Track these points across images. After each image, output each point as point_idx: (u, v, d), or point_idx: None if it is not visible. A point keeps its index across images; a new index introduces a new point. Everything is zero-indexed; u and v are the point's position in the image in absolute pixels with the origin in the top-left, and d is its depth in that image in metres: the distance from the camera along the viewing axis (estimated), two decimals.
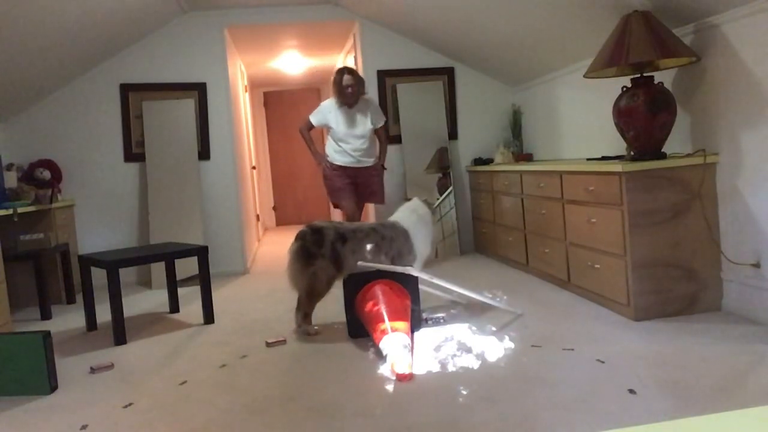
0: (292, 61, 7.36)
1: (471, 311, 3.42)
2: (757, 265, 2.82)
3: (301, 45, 6.53)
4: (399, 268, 3.09)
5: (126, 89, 5.18)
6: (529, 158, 5.28)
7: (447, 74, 5.59)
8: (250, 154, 7.42)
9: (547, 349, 2.69)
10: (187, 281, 4.85)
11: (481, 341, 2.87)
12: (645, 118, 3.00)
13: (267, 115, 9.28)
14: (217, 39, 5.27)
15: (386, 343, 2.63)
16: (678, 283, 3.02)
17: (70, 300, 4.51)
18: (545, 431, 1.91)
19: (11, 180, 4.49)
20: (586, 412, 2.02)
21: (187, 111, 5.22)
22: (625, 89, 3.14)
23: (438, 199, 5.37)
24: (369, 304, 2.90)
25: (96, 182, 5.19)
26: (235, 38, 5.82)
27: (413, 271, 3.12)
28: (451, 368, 2.53)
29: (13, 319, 3.89)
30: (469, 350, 2.75)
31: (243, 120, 6.55)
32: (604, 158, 3.60)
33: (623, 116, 3.11)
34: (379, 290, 2.96)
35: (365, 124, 4.44)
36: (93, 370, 2.85)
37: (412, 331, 2.96)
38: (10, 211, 4.01)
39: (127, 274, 5.12)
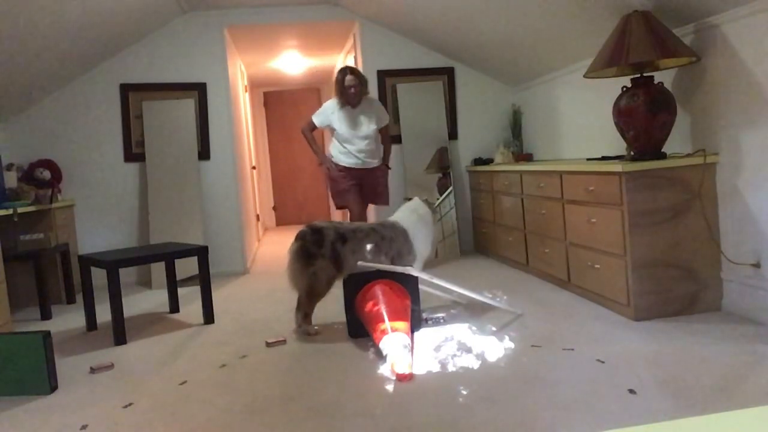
0: (292, 61, 7.36)
1: (471, 311, 3.42)
2: (757, 265, 2.82)
3: (301, 45, 6.53)
4: (399, 268, 3.09)
5: (126, 89, 5.18)
6: (529, 158, 5.28)
7: (447, 74, 5.59)
8: (250, 154, 7.42)
9: (547, 349, 2.69)
10: (187, 281, 4.85)
11: (481, 341, 2.87)
12: (645, 118, 3.00)
13: (267, 115, 9.28)
14: (217, 39, 5.27)
15: (386, 343, 2.63)
16: (678, 283, 3.02)
17: (70, 300, 4.51)
18: (545, 431, 1.91)
19: (11, 180, 4.49)
20: (586, 412, 2.02)
21: (187, 111, 5.22)
22: (625, 89, 3.14)
23: (438, 199, 5.37)
24: (369, 304, 2.90)
25: (96, 182, 5.19)
26: (235, 38, 5.82)
27: (413, 271, 3.12)
28: (451, 368, 2.53)
29: (13, 319, 3.89)
30: (469, 350, 2.75)
31: (243, 120, 6.55)
32: (604, 158, 3.60)
33: (623, 116, 3.11)
34: (379, 290, 2.96)
35: (370, 125, 4.36)
36: (93, 370, 2.85)
37: (412, 331, 2.96)
38: (10, 211, 4.01)
39: (127, 274, 5.12)
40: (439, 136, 5.51)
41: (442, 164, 5.47)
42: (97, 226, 5.20)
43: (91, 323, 3.63)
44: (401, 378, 2.43)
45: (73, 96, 5.14)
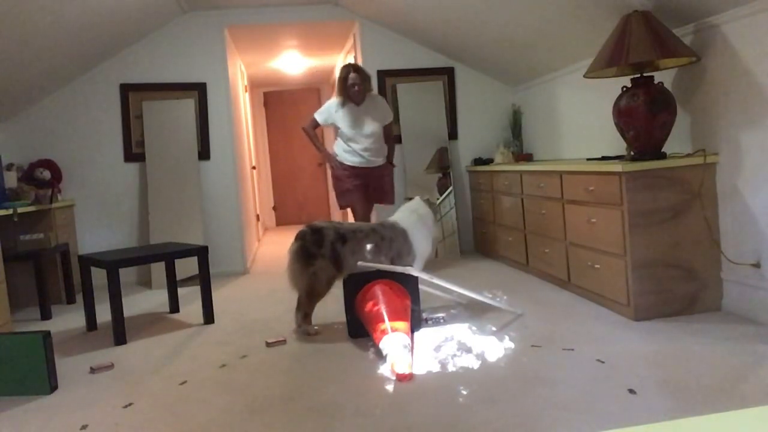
0: (292, 61, 7.36)
1: (471, 311, 3.42)
2: (757, 265, 2.82)
3: (301, 45, 6.53)
4: (399, 268, 3.09)
5: (126, 89, 5.18)
6: (529, 158, 5.28)
7: (447, 74, 5.59)
8: (250, 154, 7.42)
9: (547, 349, 2.69)
10: (187, 281, 4.85)
11: (481, 341, 2.87)
12: (645, 118, 3.00)
13: (267, 115, 9.28)
14: (217, 39, 5.27)
15: (386, 343, 2.63)
16: (678, 283, 3.02)
17: (70, 300, 4.51)
18: (545, 431, 1.91)
19: (11, 180, 4.49)
20: (586, 412, 2.02)
21: (187, 111, 5.22)
22: (625, 89, 3.14)
23: (438, 199, 5.37)
24: (369, 304, 2.90)
25: (96, 182, 5.19)
26: (235, 38, 5.82)
27: (413, 271, 3.12)
28: (451, 368, 2.53)
29: (13, 319, 3.89)
30: (469, 350, 2.75)
31: (243, 120, 6.55)
32: (604, 158, 3.60)
33: (623, 116, 3.11)
34: (379, 290, 2.96)
35: (374, 123, 4.32)
36: (93, 370, 2.85)
37: (412, 331, 2.96)
38: (10, 211, 4.01)
39: (127, 274, 5.12)
40: (439, 136, 5.51)
41: (442, 164, 5.47)
42: (97, 226, 5.20)
43: (91, 323, 3.63)
44: (401, 378, 2.43)
45: (73, 96, 5.14)
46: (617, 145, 3.75)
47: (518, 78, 5.35)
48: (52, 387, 2.62)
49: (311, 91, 9.29)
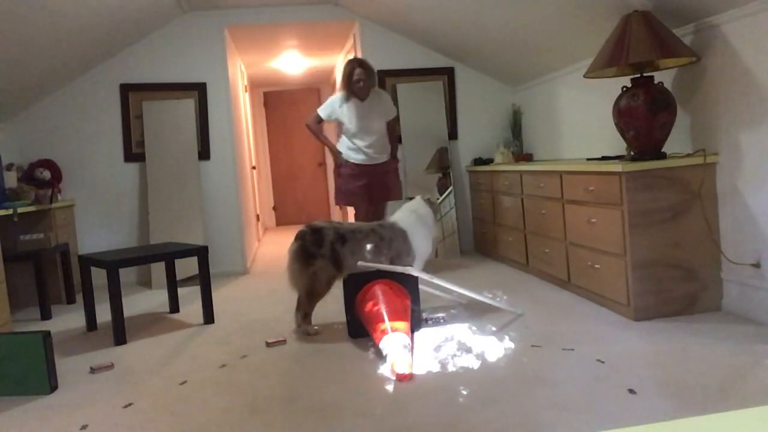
0: (292, 61, 7.36)
1: (471, 311, 3.42)
2: (757, 265, 2.82)
3: (301, 45, 6.53)
4: (399, 268, 3.09)
5: (126, 89, 5.18)
6: (529, 158, 5.28)
7: (447, 74, 5.59)
8: (250, 154, 7.42)
9: (547, 349, 2.69)
10: (187, 281, 4.85)
11: (481, 341, 2.87)
12: (645, 118, 3.00)
13: (267, 115, 9.28)
14: (217, 39, 5.27)
15: (386, 343, 2.63)
16: (678, 283, 3.02)
17: (70, 300, 4.51)
18: (545, 431, 1.91)
19: (11, 180, 4.49)
20: (586, 412, 2.02)
21: (187, 111, 5.22)
22: (625, 89, 3.14)
23: (438, 199, 5.37)
24: (369, 304, 2.90)
25: (96, 182, 5.19)
26: (235, 38, 5.82)
27: (413, 271, 3.12)
28: (451, 368, 2.53)
29: (13, 319, 3.89)
30: (469, 350, 2.75)
31: (243, 120, 6.55)
32: (604, 158, 3.60)
33: (623, 116, 3.11)
34: (379, 290, 2.96)
35: (379, 119, 4.30)
36: (93, 370, 2.85)
37: (412, 331, 2.96)
38: (10, 211, 4.01)
39: (127, 274, 5.12)
40: (439, 136, 5.51)
41: (442, 164, 5.47)
42: (97, 226, 5.20)
43: (91, 323, 3.63)
44: (401, 378, 2.43)
45: (73, 96, 5.14)
46: (617, 145, 3.75)
47: (518, 78, 5.35)
48: (52, 387, 2.62)
49: (311, 91, 9.29)
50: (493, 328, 3.07)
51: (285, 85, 9.18)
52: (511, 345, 2.78)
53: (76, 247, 5.05)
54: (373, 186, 4.37)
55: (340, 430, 2.03)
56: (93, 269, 4.18)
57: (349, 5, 5.28)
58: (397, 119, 4.97)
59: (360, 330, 3.04)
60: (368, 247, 3.20)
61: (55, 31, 3.98)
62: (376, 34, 5.47)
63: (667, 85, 3.19)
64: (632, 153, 3.17)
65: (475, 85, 5.64)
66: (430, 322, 3.23)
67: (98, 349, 3.25)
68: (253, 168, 7.49)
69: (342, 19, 5.46)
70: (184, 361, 2.92)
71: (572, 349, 2.65)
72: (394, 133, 4.51)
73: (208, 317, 3.63)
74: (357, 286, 3.06)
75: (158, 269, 4.87)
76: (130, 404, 2.41)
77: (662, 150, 3.10)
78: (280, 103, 9.25)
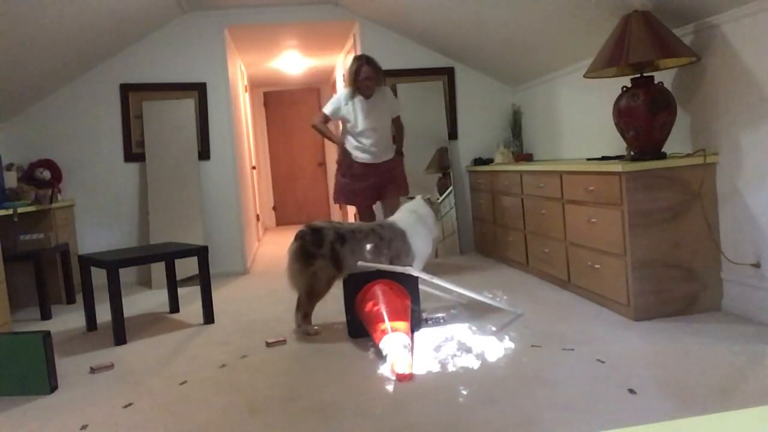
0: (292, 61, 7.36)
1: (471, 311, 3.42)
2: (757, 265, 2.82)
3: (301, 45, 6.53)
4: (399, 268, 3.09)
5: (126, 89, 5.18)
6: (529, 158, 5.28)
7: (447, 74, 5.59)
8: (250, 154, 7.42)
9: (547, 349, 2.69)
10: (187, 281, 4.85)
11: (481, 341, 2.87)
12: (645, 118, 3.00)
13: (267, 115, 9.29)
14: (217, 39, 5.27)
15: (386, 343, 2.63)
16: (678, 283, 3.02)
17: (70, 300, 4.51)
18: (545, 431, 1.91)
19: (11, 180, 4.49)
20: (586, 412, 2.02)
21: (187, 111, 5.22)
22: (625, 89, 3.14)
23: (438, 199, 5.37)
24: (369, 304, 2.90)
25: (96, 182, 5.19)
26: (235, 38, 5.82)
27: (413, 271, 3.12)
28: (451, 368, 2.53)
29: (13, 319, 3.89)
30: (469, 350, 2.75)
31: (243, 120, 6.55)
32: (604, 158, 3.60)
33: (623, 116, 3.11)
34: (379, 290, 2.96)
35: (385, 117, 4.27)
36: (93, 370, 2.85)
37: (412, 331, 2.95)
38: (10, 211, 4.01)
39: (127, 274, 5.12)
40: (439, 136, 5.51)
41: (442, 164, 5.47)
42: (97, 226, 5.20)
43: (91, 323, 3.63)
44: (401, 378, 2.43)
45: (73, 96, 5.14)
46: (617, 145, 3.75)
47: (518, 78, 5.35)
48: (52, 387, 2.62)
49: (311, 91, 9.29)
50: (493, 328, 3.07)
51: (285, 85, 9.18)
52: (511, 345, 2.78)
53: (76, 247, 5.05)
54: (382, 184, 4.36)
55: (340, 430, 2.03)
56: (93, 269, 4.18)
57: (349, 5, 5.28)
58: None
59: (360, 330, 3.04)
60: (368, 247, 3.20)
61: (55, 31, 3.98)
62: (376, 34, 5.47)
63: (667, 85, 3.19)
64: (632, 153, 3.17)
65: (475, 85, 5.64)
66: (430, 322, 3.23)
67: (98, 349, 3.25)
68: (253, 168, 7.49)
69: (342, 19, 5.46)
70: (184, 361, 2.92)
71: (572, 349, 2.65)
72: (400, 129, 4.50)
73: (208, 317, 3.63)
74: (357, 286, 3.06)
75: (158, 269, 4.87)
76: (130, 404, 2.41)
77: (662, 150, 3.10)
78: (280, 103, 9.26)
